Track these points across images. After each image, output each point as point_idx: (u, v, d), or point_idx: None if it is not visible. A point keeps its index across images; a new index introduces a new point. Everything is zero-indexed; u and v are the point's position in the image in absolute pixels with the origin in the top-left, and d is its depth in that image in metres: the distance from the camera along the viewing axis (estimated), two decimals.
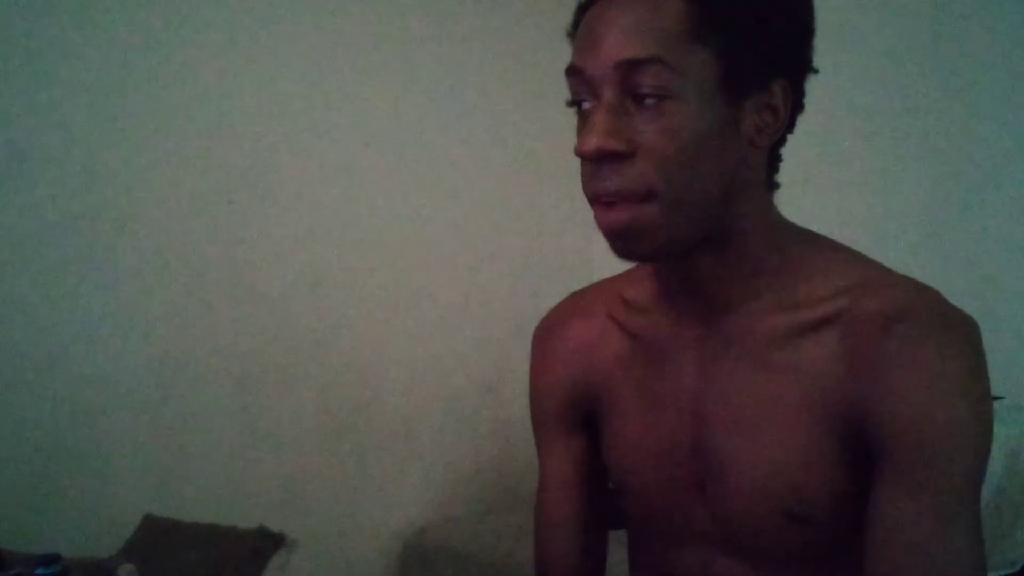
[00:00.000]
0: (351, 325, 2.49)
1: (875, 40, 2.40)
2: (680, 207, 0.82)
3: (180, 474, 2.19)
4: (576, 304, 1.05)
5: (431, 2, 2.65)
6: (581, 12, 0.87)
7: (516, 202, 2.84)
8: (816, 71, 0.86)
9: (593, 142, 0.81)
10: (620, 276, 1.03)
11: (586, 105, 0.84)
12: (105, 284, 2.09)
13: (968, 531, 0.78)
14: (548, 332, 1.06)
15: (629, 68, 0.80)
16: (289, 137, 2.38)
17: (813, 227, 0.93)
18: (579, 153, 0.83)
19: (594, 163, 0.82)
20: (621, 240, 0.84)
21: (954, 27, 2.28)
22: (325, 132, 2.45)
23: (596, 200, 0.84)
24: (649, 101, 0.80)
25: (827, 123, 2.38)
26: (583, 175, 0.85)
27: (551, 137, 2.78)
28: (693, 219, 0.83)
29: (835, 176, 2.45)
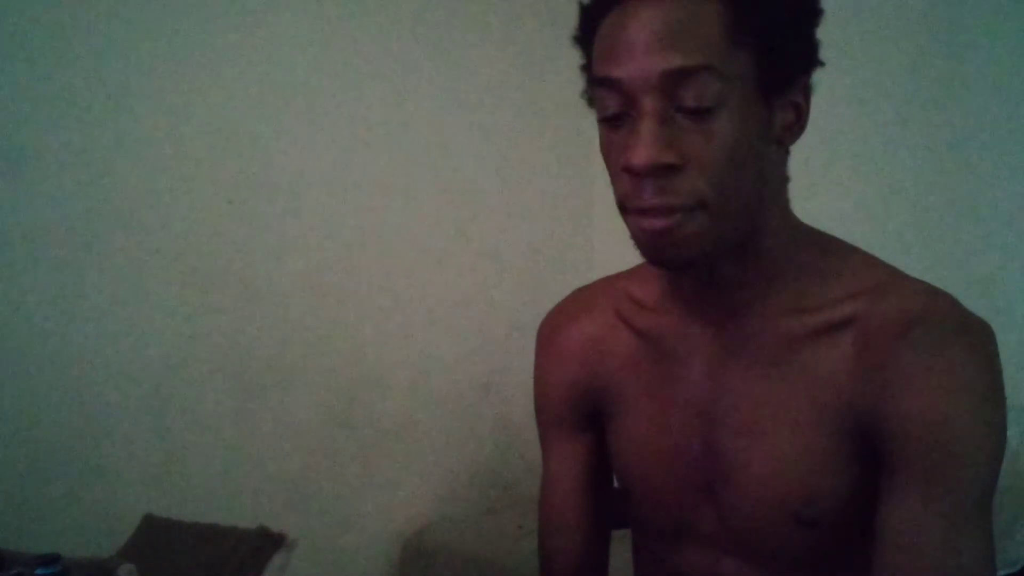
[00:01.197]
0: (351, 325, 2.49)
1: (874, 38, 2.40)
2: (726, 214, 0.80)
3: (180, 474, 2.19)
4: (581, 301, 1.04)
5: (432, 4, 2.65)
6: (591, 16, 0.84)
7: (516, 202, 2.84)
8: (823, 64, 0.85)
9: (645, 155, 0.77)
10: (625, 273, 1.02)
11: (611, 109, 0.81)
12: (105, 284, 2.09)
13: (979, 537, 0.79)
14: (553, 329, 1.05)
15: (676, 78, 0.77)
16: (289, 137, 2.38)
17: (815, 228, 0.93)
18: (628, 167, 0.79)
19: (636, 175, 0.79)
20: (664, 248, 0.81)
21: (953, 25, 2.28)
22: (325, 132, 2.45)
23: (637, 211, 0.81)
24: (695, 111, 0.78)
25: (826, 122, 2.38)
26: (623, 188, 0.82)
27: (552, 137, 2.79)
28: (735, 224, 0.82)
29: (834, 176, 2.45)
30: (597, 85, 0.82)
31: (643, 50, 0.78)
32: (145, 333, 2.14)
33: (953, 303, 0.83)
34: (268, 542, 1.66)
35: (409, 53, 2.60)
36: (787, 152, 0.88)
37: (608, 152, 0.83)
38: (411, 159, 2.61)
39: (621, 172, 0.81)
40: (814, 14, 0.84)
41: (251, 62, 2.30)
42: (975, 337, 0.81)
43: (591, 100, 0.86)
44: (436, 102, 2.66)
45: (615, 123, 0.82)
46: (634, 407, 0.96)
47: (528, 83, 2.77)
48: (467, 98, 2.72)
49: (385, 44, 2.56)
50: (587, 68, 0.86)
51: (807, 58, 0.84)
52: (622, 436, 0.98)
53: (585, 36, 0.85)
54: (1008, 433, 2.08)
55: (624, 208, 0.83)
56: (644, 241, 0.82)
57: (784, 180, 0.89)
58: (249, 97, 2.30)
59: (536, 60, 2.78)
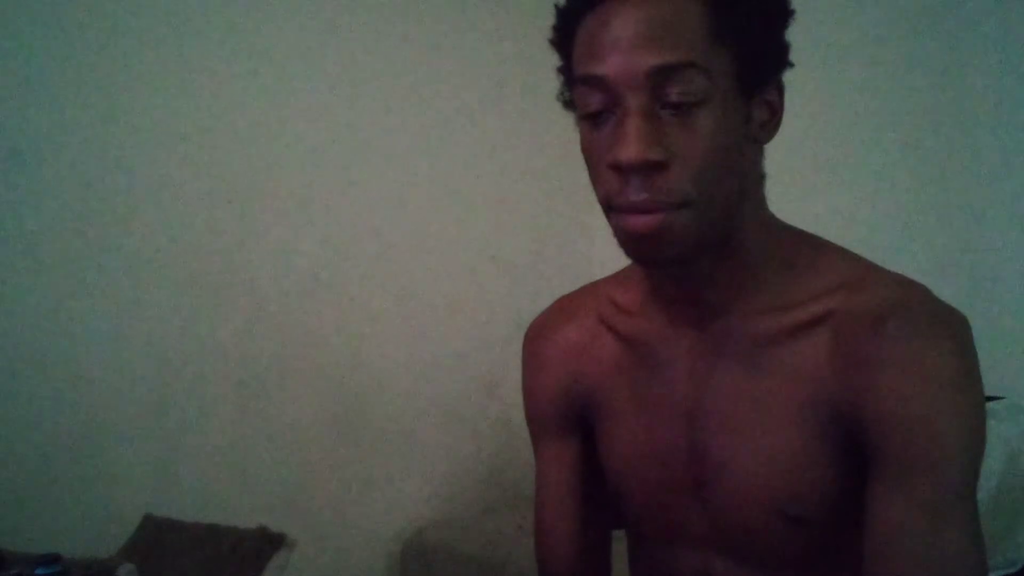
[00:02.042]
0: (351, 325, 2.49)
1: (870, 39, 2.40)
2: (709, 211, 0.81)
3: (180, 474, 2.19)
4: (565, 307, 1.05)
5: (431, 4, 2.65)
6: (569, 18, 0.85)
7: (516, 202, 2.84)
8: (793, 65, 0.87)
9: (634, 151, 0.78)
10: (609, 279, 1.03)
11: (593, 106, 0.82)
12: (105, 284, 2.09)
13: (964, 528, 0.78)
14: (538, 336, 1.06)
15: (662, 74, 0.78)
16: (289, 137, 2.38)
17: (810, 228, 0.94)
18: (616, 164, 0.80)
19: (623, 172, 0.80)
20: (650, 246, 0.82)
21: (950, 25, 2.28)
22: (325, 132, 2.45)
23: (624, 209, 0.81)
24: (680, 107, 0.79)
25: (823, 123, 2.38)
26: (606, 184, 0.82)
27: (551, 137, 2.78)
28: (718, 221, 0.83)
29: (833, 176, 2.45)
30: (579, 83, 0.83)
31: (628, 47, 0.78)
32: (145, 333, 2.14)
33: (926, 294, 0.84)
34: (268, 542, 1.66)
35: (407, 54, 2.60)
36: (762, 150, 0.89)
37: (591, 150, 0.84)
38: (411, 159, 2.61)
39: (606, 170, 0.82)
40: (786, 15, 0.85)
41: (251, 64, 2.30)
42: (948, 327, 0.81)
43: (567, 102, 0.87)
44: (436, 102, 2.66)
45: (597, 121, 0.82)
46: (620, 411, 0.97)
47: (527, 82, 2.77)
48: (467, 97, 2.72)
49: (384, 45, 2.56)
50: (564, 69, 0.87)
51: (781, 57, 0.86)
52: (609, 440, 0.99)
53: (562, 38, 0.86)
54: (1008, 433, 2.07)
55: (609, 206, 0.83)
56: (629, 240, 0.83)
57: (760, 177, 0.90)
58: (249, 98, 2.30)
59: (535, 59, 2.77)
